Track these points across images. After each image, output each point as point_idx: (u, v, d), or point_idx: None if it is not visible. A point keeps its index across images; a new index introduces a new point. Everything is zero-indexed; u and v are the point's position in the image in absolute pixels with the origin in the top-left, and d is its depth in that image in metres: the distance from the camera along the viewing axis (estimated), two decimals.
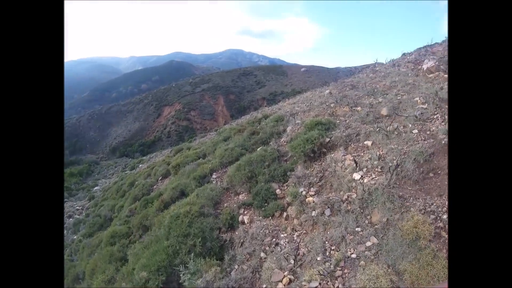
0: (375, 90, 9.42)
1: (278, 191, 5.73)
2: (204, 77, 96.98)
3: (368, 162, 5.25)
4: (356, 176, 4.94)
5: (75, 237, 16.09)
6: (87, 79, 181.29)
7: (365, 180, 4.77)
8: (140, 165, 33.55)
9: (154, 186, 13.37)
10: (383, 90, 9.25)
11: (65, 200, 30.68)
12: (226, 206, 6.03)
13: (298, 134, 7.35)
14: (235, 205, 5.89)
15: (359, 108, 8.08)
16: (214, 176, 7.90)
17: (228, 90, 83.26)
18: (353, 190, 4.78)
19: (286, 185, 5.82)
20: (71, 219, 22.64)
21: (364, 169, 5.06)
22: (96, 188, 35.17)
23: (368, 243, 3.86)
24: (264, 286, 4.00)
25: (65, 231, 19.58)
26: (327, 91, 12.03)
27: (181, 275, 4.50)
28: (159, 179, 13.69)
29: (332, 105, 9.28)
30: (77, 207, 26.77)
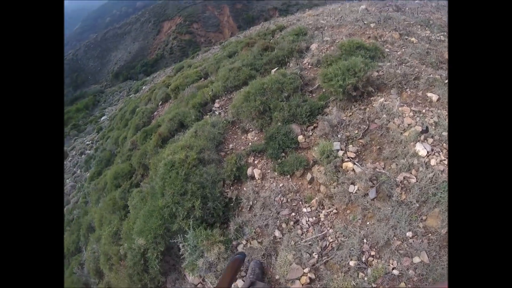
0: (430, 21, 7.20)
1: (301, 137, 4.05)
2: None
3: (435, 129, 3.43)
4: (421, 149, 3.20)
5: (88, 174, 15.71)
6: (75, 11, 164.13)
7: (432, 162, 3.06)
8: (144, 87, 32.39)
9: (155, 113, 12.13)
10: (441, 24, 7.07)
11: (75, 137, 30.73)
12: (232, 150, 4.56)
13: (329, 56, 5.28)
14: (242, 149, 4.40)
15: (413, 40, 5.85)
16: (216, 104, 6.27)
17: None
18: (413, 171, 3.15)
19: (312, 131, 4.13)
20: (83, 156, 22.67)
21: (430, 140, 3.31)
22: (103, 118, 34.61)
23: (416, 259, 2.63)
24: (277, 277, 2.89)
25: (78, 171, 19.66)
26: (362, 7, 9.37)
27: (180, 246, 3.43)
28: (159, 104, 12.34)
29: (372, 25, 6.96)
30: (87, 142, 26.42)
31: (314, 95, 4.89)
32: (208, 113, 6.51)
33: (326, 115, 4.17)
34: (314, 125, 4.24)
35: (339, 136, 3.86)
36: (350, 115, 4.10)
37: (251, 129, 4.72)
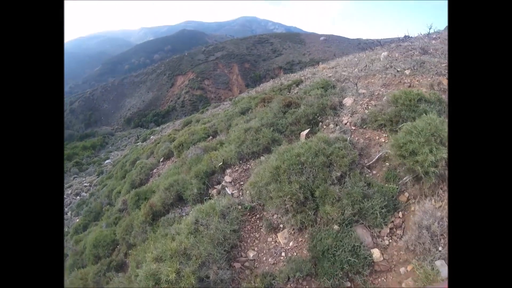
0: None
1: (376, 253, 2.45)
2: (218, 45, 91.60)
3: None
4: None
5: (77, 220, 14.15)
6: (98, 54, 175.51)
7: None
8: (152, 137, 32.36)
9: (154, 170, 10.61)
10: None
11: (75, 176, 29.39)
12: (253, 262, 2.84)
13: (381, 114, 3.91)
14: (272, 264, 2.68)
15: None
16: (227, 177, 4.73)
17: (243, 58, 78.08)
18: None
19: (391, 238, 2.57)
20: (78, 197, 21.46)
21: None
22: (107, 161, 33.49)
23: None
24: None
25: (69, 213, 18.24)
26: (384, 54, 8.46)
27: None
28: (161, 160, 10.89)
29: (407, 71, 5.90)
30: (86, 184, 25.19)
31: (374, 172, 3.30)
32: (216, 187, 4.93)
33: (407, 207, 2.53)
34: (390, 225, 2.58)
35: (440, 249, 2.18)
36: (441, 207, 2.47)
37: (282, 226, 3.05)
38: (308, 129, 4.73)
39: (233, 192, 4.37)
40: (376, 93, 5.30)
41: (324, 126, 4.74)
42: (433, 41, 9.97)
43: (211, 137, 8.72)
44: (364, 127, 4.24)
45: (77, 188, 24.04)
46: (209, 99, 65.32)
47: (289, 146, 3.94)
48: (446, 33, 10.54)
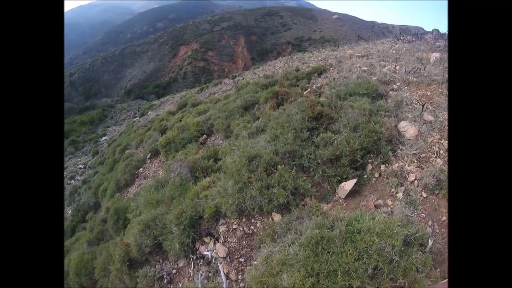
0: None
1: None
2: (224, 15, 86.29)
3: None
4: None
5: (69, 211, 13.52)
6: (100, 23, 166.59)
7: None
8: (149, 112, 30.06)
9: (140, 170, 8.90)
10: None
11: (70, 156, 28.16)
12: None
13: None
14: None
15: None
16: (221, 227, 2.98)
17: (250, 30, 73.39)
18: None
19: None
20: (73, 181, 20.46)
21: None
22: (104, 138, 32.11)
23: None
24: None
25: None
26: (436, 55, 6.45)
27: None
28: (148, 156, 9.15)
29: None
30: (80, 166, 24.08)
31: None
32: (205, 239, 3.17)
33: None
34: None
35: None
36: None
37: None
38: (354, 179, 2.85)
39: (229, 272, 2.60)
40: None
41: (376, 175, 2.89)
42: None
43: (205, 136, 6.84)
44: (438, 194, 2.40)
45: (72, 170, 23.20)
46: (212, 71, 62.39)
47: (323, 222, 2.09)
48: None
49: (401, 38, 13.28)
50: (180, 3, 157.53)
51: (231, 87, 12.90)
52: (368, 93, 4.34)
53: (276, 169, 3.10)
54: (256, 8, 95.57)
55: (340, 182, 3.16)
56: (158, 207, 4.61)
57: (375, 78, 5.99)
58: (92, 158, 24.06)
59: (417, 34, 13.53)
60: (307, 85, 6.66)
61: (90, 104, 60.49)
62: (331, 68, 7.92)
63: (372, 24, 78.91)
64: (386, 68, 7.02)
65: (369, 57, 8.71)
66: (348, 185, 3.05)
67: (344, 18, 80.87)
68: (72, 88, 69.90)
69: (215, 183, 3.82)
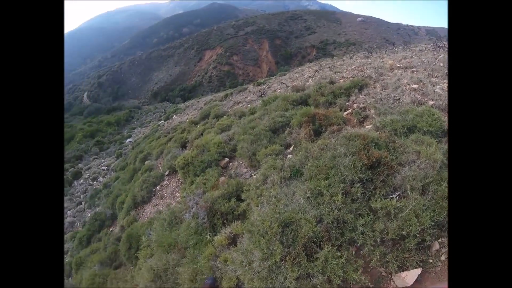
0: None
1: None
2: (248, 20, 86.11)
3: None
4: None
5: (89, 215, 13.56)
6: (126, 28, 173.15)
7: None
8: (174, 116, 29.97)
9: (158, 187, 8.25)
10: None
11: (95, 157, 28.64)
12: None
13: None
14: None
15: None
16: None
17: (274, 34, 72.45)
18: None
19: None
20: (95, 182, 20.67)
21: None
22: (128, 140, 32.40)
23: None
24: None
25: (83, 202, 17.50)
26: None
27: None
28: (166, 173, 8.49)
29: None
30: (103, 167, 24.36)
31: None
32: None
33: None
34: None
35: None
36: None
37: None
38: (418, 269, 1.96)
39: None
40: None
41: (442, 258, 2.01)
42: None
43: (227, 159, 6.00)
44: None
45: (95, 172, 23.49)
46: (237, 76, 62.38)
47: None
48: None
49: (442, 46, 11.84)
50: (204, 9, 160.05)
51: (256, 97, 12.04)
52: (433, 130, 3.28)
53: (320, 248, 2.18)
54: (280, 12, 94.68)
55: (400, 268, 2.19)
56: (170, 252, 3.85)
57: (431, 102, 4.88)
58: (116, 160, 24.25)
59: (419, 28, 12.03)
60: (347, 103, 5.63)
61: (118, 105, 62.43)
62: (371, 82, 6.82)
63: (398, 26, 75.36)
64: (438, 87, 5.83)
65: (413, 69, 7.50)
66: (411, 276, 2.10)
67: (369, 21, 77.91)
68: (100, 89, 72.59)
69: (236, 242, 2.95)
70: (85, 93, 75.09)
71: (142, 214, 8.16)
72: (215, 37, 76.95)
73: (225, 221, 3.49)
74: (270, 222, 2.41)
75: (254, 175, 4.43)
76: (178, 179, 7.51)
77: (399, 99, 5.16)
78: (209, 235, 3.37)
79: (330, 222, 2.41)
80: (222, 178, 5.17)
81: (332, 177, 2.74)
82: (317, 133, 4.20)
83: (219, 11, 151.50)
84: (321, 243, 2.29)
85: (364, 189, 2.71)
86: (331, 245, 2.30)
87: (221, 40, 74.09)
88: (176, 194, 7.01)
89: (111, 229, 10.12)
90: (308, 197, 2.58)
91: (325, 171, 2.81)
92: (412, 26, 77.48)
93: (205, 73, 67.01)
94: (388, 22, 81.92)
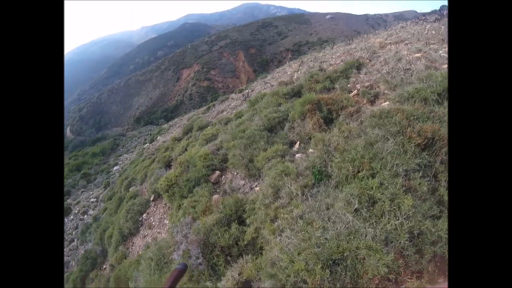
0: None
1: None
2: (220, 34, 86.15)
3: None
4: None
5: (82, 252, 12.37)
6: (102, 58, 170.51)
7: None
8: (159, 137, 29.42)
9: (144, 215, 7.07)
10: None
11: (83, 190, 26.94)
12: None
13: None
14: None
15: None
16: None
17: (248, 44, 72.51)
18: None
19: None
20: (85, 216, 19.30)
21: None
22: (115, 168, 30.78)
23: None
24: None
25: (75, 239, 16.08)
26: None
27: None
28: (151, 198, 7.31)
29: None
30: (92, 199, 22.92)
31: None
32: None
33: None
34: None
35: None
36: None
37: None
38: None
39: None
40: None
41: None
42: None
43: (218, 173, 4.92)
44: None
45: (84, 205, 22.02)
46: (217, 89, 61.75)
47: None
48: None
49: (423, 19, 11.43)
50: (176, 30, 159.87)
51: (240, 102, 11.08)
52: None
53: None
54: (250, 23, 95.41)
55: None
56: None
57: (445, 66, 4.15)
58: (104, 190, 22.79)
59: (440, 12, 11.70)
60: (348, 85, 4.72)
61: (102, 135, 60.50)
62: (367, 61, 6.00)
63: (366, 17, 77.05)
64: (440, 52, 5.14)
65: (406, 42, 6.77)
66: None
67: (337, 17, 79.46)
68: (82, 121, 70.21)
69: None
70: (67, 128, 72.39)
71: (132, 248, 6.98)
72: (191, 55, 76.31)
73: (228, 257, 2.43)
74: (305, 262, 1.39)
75: (256, 187, 3.40)
76: (165, 204, 6.38)
77: (409, 68, 4.32)
78: (210, 280, 2.30)
79: (403, 241, 1.41)
80: (215, 197, 4.11)
81: (380, 172, 1.76)
82: (328, 120, 3.25)
83: (191, 30, 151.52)
84: (398, 276, 1.28)
85: (428, 179, 1.75)
86: (415, 277, 1.30)
87: (196, 57, 73.53)
88: (165, 221, 5.86)
89: (104, 266, 8.94)
90: (356, 209, 1.58)
91: (367, 165, 1.81)
92: (379, 14, 79.40)
93: (185, 91, 66.08)
94: (356, 15, 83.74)
